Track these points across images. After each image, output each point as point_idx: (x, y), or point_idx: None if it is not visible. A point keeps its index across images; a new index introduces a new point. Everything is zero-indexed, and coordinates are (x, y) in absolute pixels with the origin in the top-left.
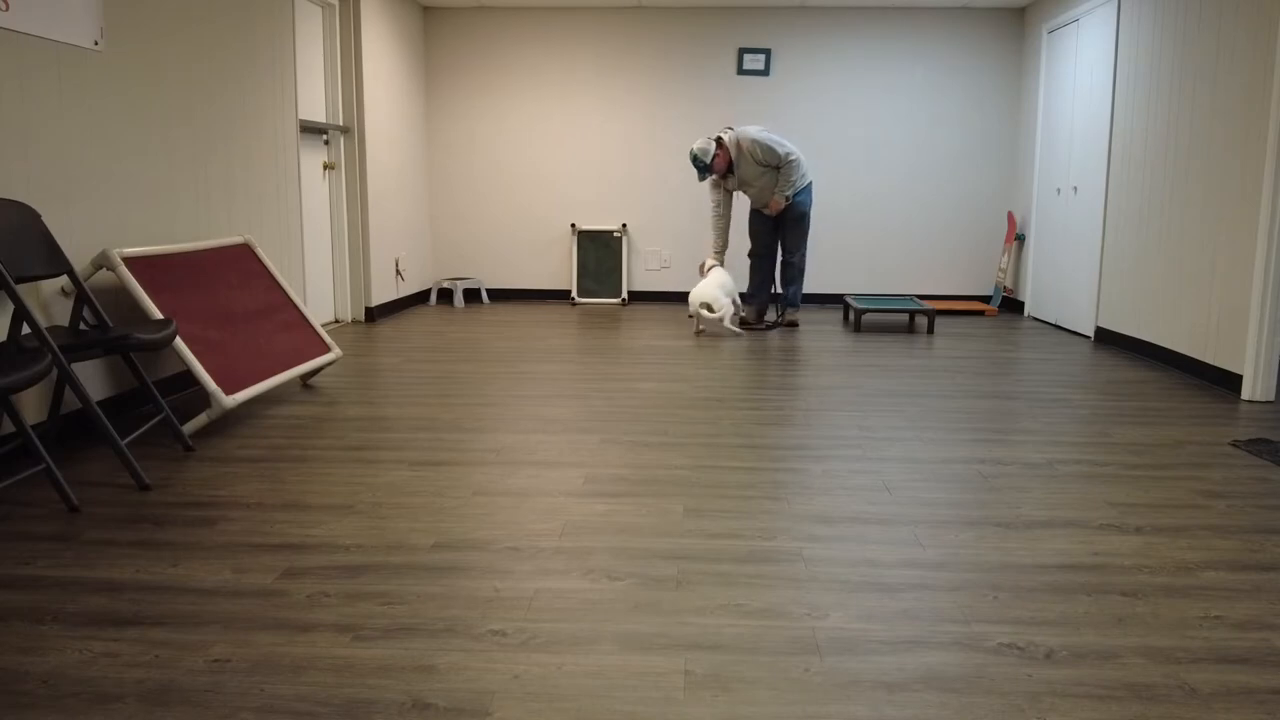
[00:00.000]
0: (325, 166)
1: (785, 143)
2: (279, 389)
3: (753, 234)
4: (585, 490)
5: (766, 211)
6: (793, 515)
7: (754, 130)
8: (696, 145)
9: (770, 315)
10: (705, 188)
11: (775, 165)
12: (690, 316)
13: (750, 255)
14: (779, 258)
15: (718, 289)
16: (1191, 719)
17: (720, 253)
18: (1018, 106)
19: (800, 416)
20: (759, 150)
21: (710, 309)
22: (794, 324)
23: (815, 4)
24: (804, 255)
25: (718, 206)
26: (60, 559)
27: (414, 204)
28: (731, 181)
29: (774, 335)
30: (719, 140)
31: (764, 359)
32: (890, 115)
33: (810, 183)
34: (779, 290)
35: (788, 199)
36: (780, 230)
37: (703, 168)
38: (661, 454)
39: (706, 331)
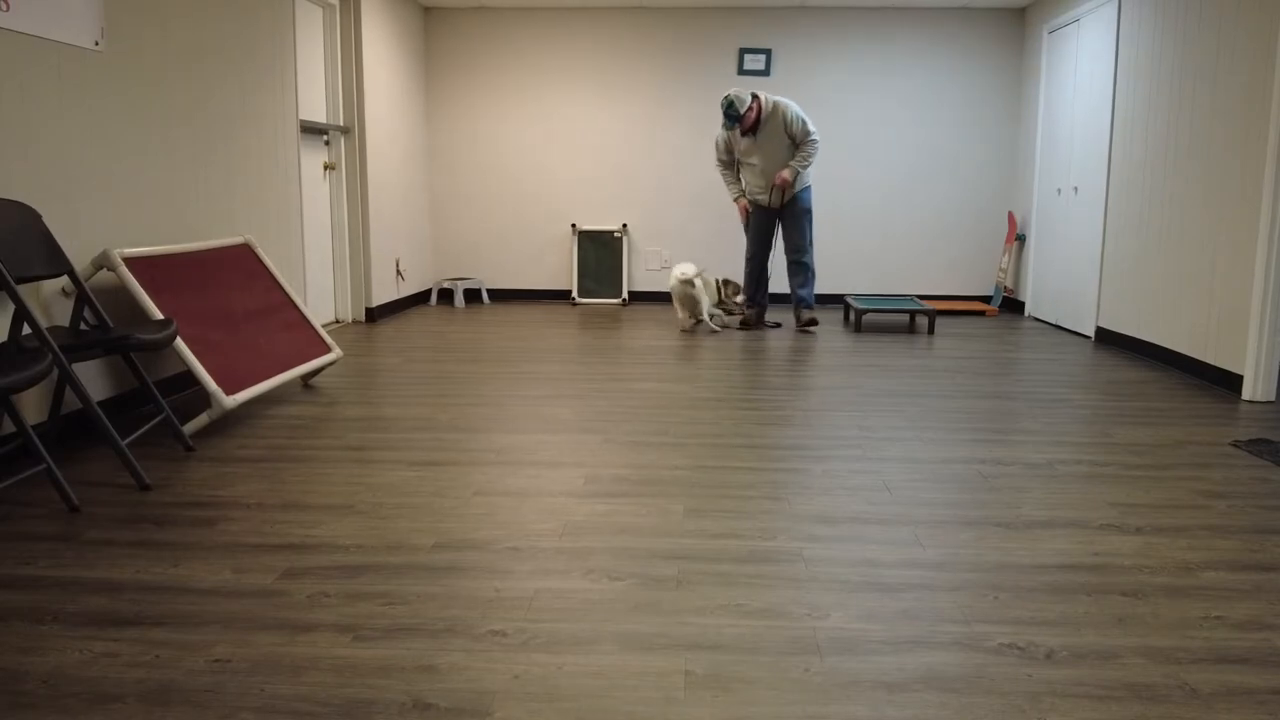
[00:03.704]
0: (325, 166)
1: (812, 122)
2: (279, 389)
3: (752, 235)
4: (586, 490)
5: (770, 190)
6: (793, 515)
7: (788, 100)
8: (733, 92)
9: (769, 316)
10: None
11: (797, 140)
12: (678, 306)
13: (748, 258)
14: (773, 259)
15: (693, 268)
16: (1192, 719)
17: (741, 196)
18: (1018, 106)
19: (800, 416)
20: (790, 116)
21: (691, 284)
22: (814, 322)
23: (816, 4)
24: (812, 255)
25: (725, 166)
26: (60, 559)
27: (414, 204)
28: (744, 143)
29: (774, 335)
30: (754, 95)
31: (764, 359)
32: (890, 115)
33: (810, 185)
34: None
35: (797, 174)
36: (783, 227)
37: (734, 117)
38: (662, 454)
39: (698, 328)
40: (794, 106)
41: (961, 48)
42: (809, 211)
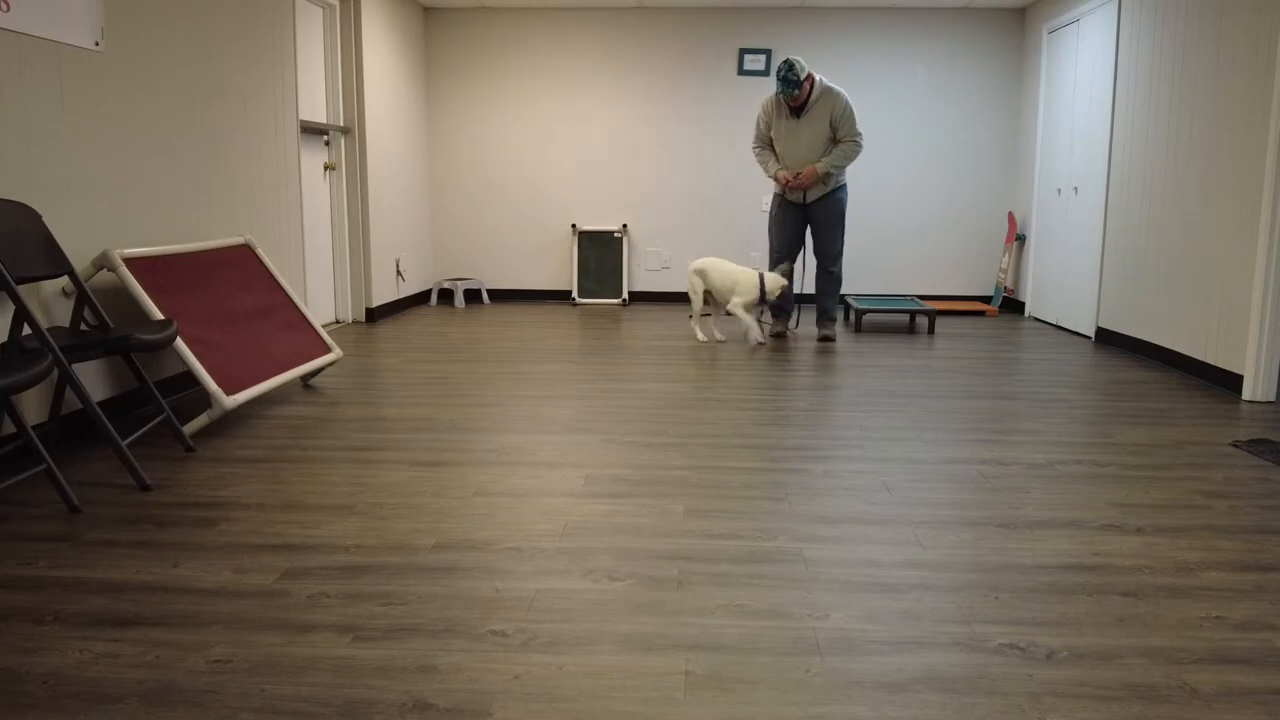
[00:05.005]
0: (326, 167)
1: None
2: (280, 389)
3: (778, 236)
4: (586, 490)
5: (795, 186)
6: (793, 515)
7: (843, 90)
8: (796, 57)
9: (792, 322)
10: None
11: (839, 136)
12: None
13: (772, 261)
14: (808, 263)
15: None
16: (1192, 719)
17: (781, 169)
18: (1018, 106)
19: (801, 416)
20: (840, 108)
21: (701, 274)
22: (829, 339)
23: (815, 4)
24: (841, 266)
25: (762, 145)
26: (61, 559)
27: (415, 204)
28: (785, 124)
29: (781, 336)
30: (810, 73)
31: (764, 359)
32: (891, 115)
33: (846, 184)
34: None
35: (830, 173)
36: (814, 233)
37: (794, 81)
38: (662, 454)
39: (713, 319)
40: (845, 98)
41: (961, 48)
42: (843, 216)
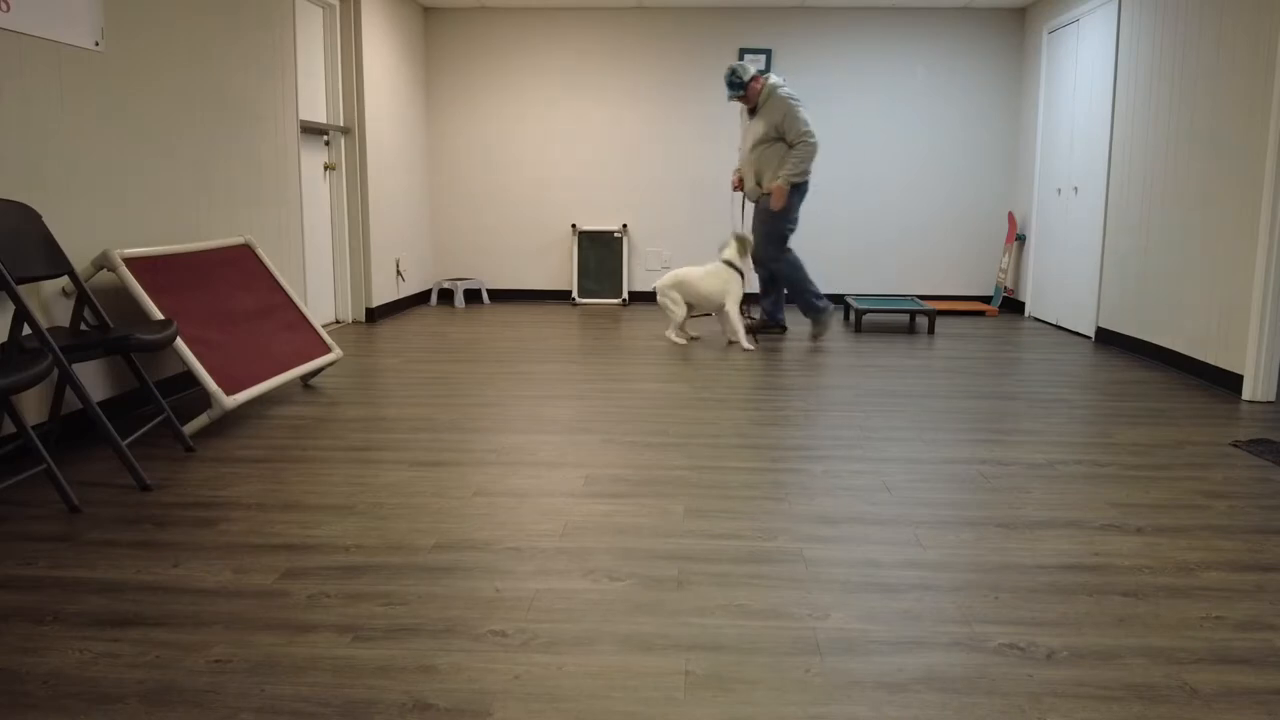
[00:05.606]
0: (326, 167)
1: (810, 124)
2: (280, 389)
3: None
4: (586, 490)
5: (756, 197)
6: (793, 515)
7: (790, 92)
8: (736, 62)
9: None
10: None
11: (789, 141)
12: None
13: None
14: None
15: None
16: (1192, 719)
17: (734, 171)
18: (1018, 106)
19: (800, 416)
20: (782, 114)
21: (675, 296)
22: (755, 330)
23: (815, 4)
24: (789, 262)
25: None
26: (61, 559)
27: (415, 204)
28: (743, 125)
29: (773, 335)
30: (758, 75)
31: (764, 359)
32: (891, 115)
33: (799, 186)
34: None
35: (788, 183)
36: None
37: (735, 85)
38: (662, 454)
39: (692, 323)
40: (789, 103)
41: (961, 48)
42: (772, 214)
